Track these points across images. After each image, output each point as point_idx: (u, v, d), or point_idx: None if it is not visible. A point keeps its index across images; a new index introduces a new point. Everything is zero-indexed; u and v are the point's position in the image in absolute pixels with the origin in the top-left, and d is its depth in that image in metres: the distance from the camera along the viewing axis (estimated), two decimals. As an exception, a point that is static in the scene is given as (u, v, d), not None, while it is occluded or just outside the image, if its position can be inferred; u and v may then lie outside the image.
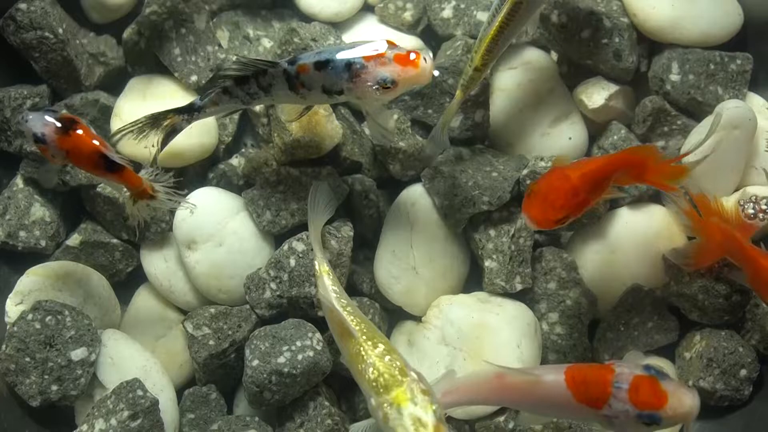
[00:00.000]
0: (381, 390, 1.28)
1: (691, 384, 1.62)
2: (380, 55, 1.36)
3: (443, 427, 1.24)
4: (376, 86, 1.36)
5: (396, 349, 1.35)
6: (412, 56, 1.35)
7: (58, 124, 1.42)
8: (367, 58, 1.36)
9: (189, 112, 1.53)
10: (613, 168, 1.39)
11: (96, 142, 1.43)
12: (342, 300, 1.46)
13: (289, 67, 1.43)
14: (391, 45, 1.38)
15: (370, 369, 1.31)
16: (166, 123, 1.52)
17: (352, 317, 1.40)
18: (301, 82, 1.43)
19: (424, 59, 1.35)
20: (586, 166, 1.38)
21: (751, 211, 1.62)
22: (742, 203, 1.62)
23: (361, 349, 1.34)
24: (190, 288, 1.70)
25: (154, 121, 1.52)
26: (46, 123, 1.42)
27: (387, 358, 1.32)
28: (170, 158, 1.66)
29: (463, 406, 1.51)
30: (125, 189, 1.48)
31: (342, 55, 1.39)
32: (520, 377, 1.40)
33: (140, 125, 1.51)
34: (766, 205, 1.61)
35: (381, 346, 1.34)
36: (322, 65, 1.40)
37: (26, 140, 1.51)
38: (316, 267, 1.52)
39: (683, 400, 1.28)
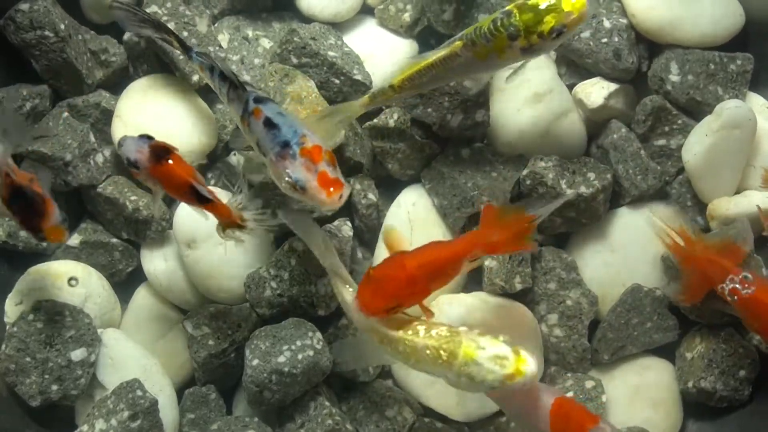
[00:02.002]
0: (450, 360, 1.29)
1: (691, 385, 1.62)
2: (314, 161, 1.33)
3: (519, 347, 1.28)
4: (288, 179, 1.34)
5: (430, 320, 1.37)
6: (332, 189, 1.32)
7: (151, 152, 1.42)
8: (303, 152, 1.34)
9: (184, 50, 1.59)
10: (456, 257, 1.39)
11: (186, 174, 1.42)
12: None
13: (251, 102, 1.44)
14: (330, 160, 1.34)
15: (427, 352, 1.32)
16: (164, 36, 1.60)
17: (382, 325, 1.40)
18: (248, 121, 1.44)
19: (339, 196, 1.33)
20: (426, 255, 1.37)
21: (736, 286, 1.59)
22: (720, 288, 1.57)
23: (407, 343, 1.35)
24: (189, 287, 1.70)
25: (157, 25, 1.59)
26: (139, 150, 1.43)
27: (433, 332, 1.33)
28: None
29: None
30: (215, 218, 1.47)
31: (288, 132, 1.37)
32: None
33: (143, 16, 1.59)
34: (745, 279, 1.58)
35: (419, 329, 1.35)
36: (270, 125, 1.39)
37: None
38: (341, 295, 1.51)
39: None
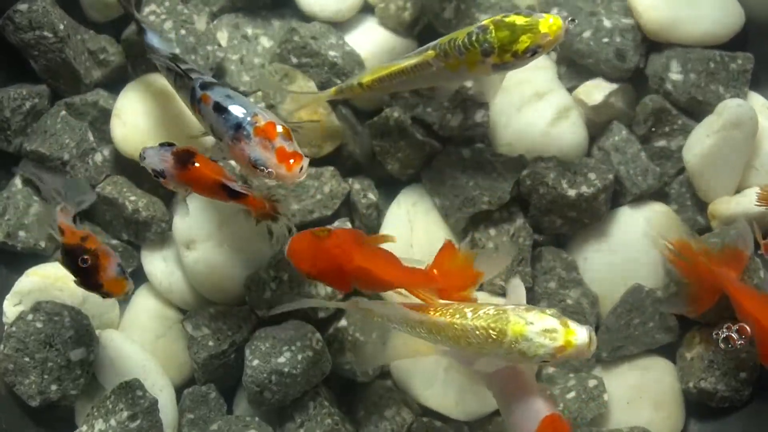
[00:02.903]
0: (500, 338, 1.31)
1: (692, 385, 1.62)
2: (268, 137, 1.34)
3: (565, 318, 1.30)
4: (248, 160, 1.34)
5: (472, 301, 1.39)
6: (291, 160, 1.33)
7: (176, 159, 1.42)
8: (256, 131, 1.34)
9: (139, 29, 1.62)
10: (395, 283, 1.39)
11: (215, 174, 1.42)
12: (397, 308, 1.43)
13: (197, 89, 1.44)
14: (286, 135, 1.35)
15: (477, 333, 1.33)
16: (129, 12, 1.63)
17: (421, 314, 1.40)
18: (199, 108, 1.44)
19: (300, 168, 1.33)
20: (374, 262, 1.37)
21: (733, 335, 1.58)
22: (715, 335, 1.59)
23: (456, 328, 1.35)
24: (189, 288, 1.69)
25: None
26: (163, 158, 1.43)
27: (480, 312, 1.34)
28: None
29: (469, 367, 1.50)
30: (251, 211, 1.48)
31: (239, 114, 1.37)
32: (524, 378, 1.41)
33: None
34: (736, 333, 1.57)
35: (465, 311, 1.35)
36: (220, 109, 1.39)
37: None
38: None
39: None
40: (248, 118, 1.36)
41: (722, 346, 1.56)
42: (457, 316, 1.36)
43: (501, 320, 1.31)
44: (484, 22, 1.43)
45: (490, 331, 1.31)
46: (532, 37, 1.38)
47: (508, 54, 1.40)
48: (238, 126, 1.36)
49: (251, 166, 1.34)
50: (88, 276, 1.40)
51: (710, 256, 1.54)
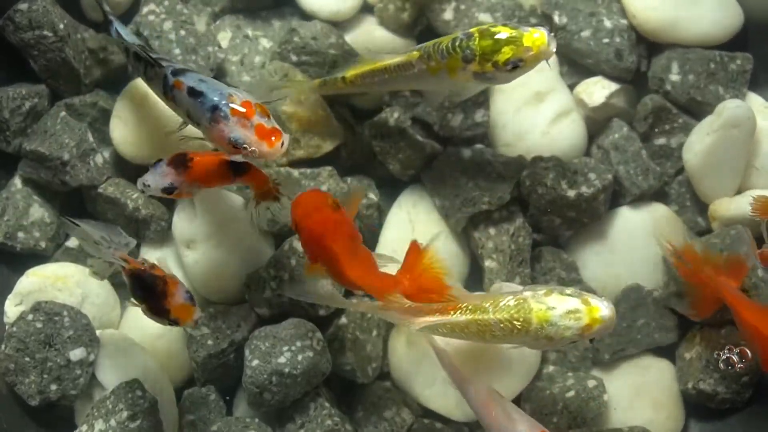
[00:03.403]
0: (525, 328, 1.32)
1: (691, 385, 1.62)
2: (246, 115, 1.34)
3: (586, 296, 1.32)
4: (229, 141, 1.34)
5: (489, 294, 1.40)
6: (272, 137, 1.33)
7: (174, 167, 1.41)
8: (233, 112, 1.34)
9: (106, 22, 1.60)
10: (356, 282, 1.36)
11: (215, 156, 1.42)
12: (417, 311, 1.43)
13: (169, 76, 1.43)
14: (263, 112, 1.35)
15: (501, 326, 1.34)
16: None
17: (441, 314, 1.40)
18: (173, 96, 1.43)
19: (281, 143, 1.33)
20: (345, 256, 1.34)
21: (734, 356, 1.59)
22: (716, 355, 1.60)
23: (479, 323, 1.36)
24: (189, 288, 1.69)
25: None
26: (164, 174, 1.41)
27: (500, 305, 1.35)
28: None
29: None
30: (251, 189, 1.49)
31: (214, 96, 1.36)
32: (502, 408, 1.41)
33: None
34: (737, 355, 1.58)
35: (485, 305, 1.36)
36: (194, 94, 1.39)
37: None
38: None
39: None
40: (224, 99, 1.36)
41: (722, 366, 1.57)
42: (478, 312, 1.37)
43: (523, 309, 1.32)
44: (471, 29, 1.43)
45: (515, 323, 1.33)
46: (514, 49, 1.38)
47: (489, 63, 1.40)
48: (215, 108, 1.35)
49: (232, 147, 1.34)
50: (155, 301, 1.38)
51: (712, 264, 1.54)
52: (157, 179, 1.42)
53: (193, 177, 1.42)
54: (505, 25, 1.41)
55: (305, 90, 1.63)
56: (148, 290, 1.39)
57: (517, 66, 1.40)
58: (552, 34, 1.40)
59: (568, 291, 1.33)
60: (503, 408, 1.41)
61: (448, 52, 1.43)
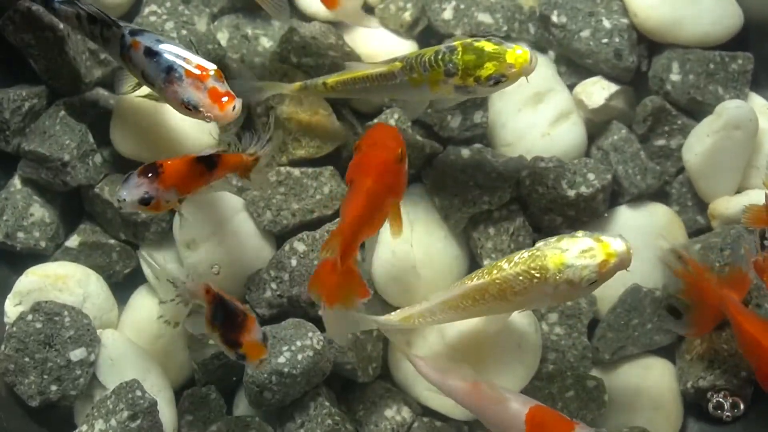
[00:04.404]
0: (544, 275, 1.33)
1: (690, 385, 1.62)
2: (200, 78, 1.35)
3: (596, 234, 1.34)
4: (181, 102, 1.36)
5: (498, 260, 1.40)
6: (224, 99, 1.34)
7: (146, 175, 1.40)
8: (188, 73, 1.36)
9: (45, 2, 1.57)
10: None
11: (184, 157, 1.43)
12: (433, 299, 1.46)
13: (127, 36, 1.44)
14: (218, 76, 1.36)
15: (521, 279, 1.35)
16: None
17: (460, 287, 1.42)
18: (129, 56, 1.44)
19: (233, 107, 1.35)
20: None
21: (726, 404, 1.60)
22: (709, 395, 1.61)
23: (498, 283, 1.38)
24: (189, 288, 1.70)
25: None
26: (138, 184, 1.39)
27: (515, 259, 1.37)
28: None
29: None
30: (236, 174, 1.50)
31: (170, 57, 1.38)
32: (490, 393, 1.41)
33: None
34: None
35: (501, 264, 1.38)
36: (151, 54, 1.40)
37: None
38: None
39: None
40: (180, 61, 1.37)
41: (711, 409, 1.59)
42: (495, 271, 1.38)
43: (538, 258, 1.34)
44: (454, 43, 1.43)
45: (533, 272, 1.34)
46: (497, 65, 1.38)
47: (471, 78, 1.40)
48: (170, 69, 1.37)
49: (184, 107, 1.36)
50: (231, 333, 1.38)
51: (715, 276, 1.53)
52: (132, 191, 1.39)
53: (167, 182, 1.41)
54: (488, 39, 1.41)
55: (285, 91, 1.62)
56: (228, 320, 1.39)
57: (499, 81, 1.40)
58: (534, 51, 1.41)
59: (579, 234, 1.35)
60: (492, 393, 1.40)
61: (430, 65, 1.43)
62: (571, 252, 1.32)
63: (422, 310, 1.47)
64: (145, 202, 1.39)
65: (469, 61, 1.40)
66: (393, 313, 1.51)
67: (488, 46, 1.40)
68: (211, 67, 1.37)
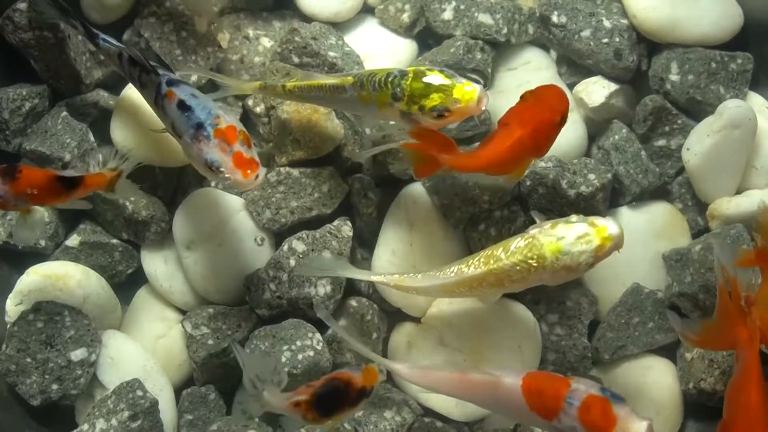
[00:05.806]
0: (541, 263, 1.35)
1: (692, 385, 1.62)
2: (228, 141, 1.34)
3: (591, 218, 1.36)
4: (204, 161, 1.34)
5: (494, 248, 1.42)
6: (248, 166, 1.33)
7: (2, 175, 1.42)
8: (217, 133, 1.35)
9: (90, 37, 1.57)
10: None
11: (45, 171, 1.45)
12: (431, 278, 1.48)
13: (163, 85, 1.44)
14: (245, 141, 1.35)
15: (518, 269, 1.38)
16: (70, 21, 1.58)
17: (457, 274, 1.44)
18: (162, 105, 1.43)
19: (256, 176, 1.33)
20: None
21: None
22: None
23: (496, 273, 1.40)
24: (189, 289, 1.70)
25: (64, 12, 1.58)
26: None
27: (512, 248, 1.38)
28: (168, 158, 1.67)
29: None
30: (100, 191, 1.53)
31: (202, 114, 1.37)
32: (479, 377, 1.40)
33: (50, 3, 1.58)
34: None
35: (497, 254, 1.40)
36: (183, 107, 1.39)
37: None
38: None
39: (631, 428, 1.25)
40: (210, 119, 1.36)
41: None
42: (492, 261, 1.40)
43: (535, 247, 1.36)
44: (407, 68, 1.43)
45: (530, 261, 1.36)
46: (443, 97, 1.38)
47: (416, 106, 1.40)
48: (199, 126, 1.36)
49: (207, 168, 1.35)
50: (329, 407, 1.38)
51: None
52: None
53: (18, 189, 1.42)
54: (441, 71, 1.40)
55: (246, 90, 1.62)
56: (329, 407, 1.38)
57: (442, 115, 1.39)
58: (487, 90, 1.40)
59: (574, 218, 1.36)
60: (481, 377, 1.40)
61: (379, 85, 1.43)
62: (567, 239, 1.34)
63: (417, 287, 1.48)
64: None
65: (416, 89, 1.39)
66: (389, 276, 1.52)
67: (440, 78, 1.39)
68: (241, 130, 1.36)
